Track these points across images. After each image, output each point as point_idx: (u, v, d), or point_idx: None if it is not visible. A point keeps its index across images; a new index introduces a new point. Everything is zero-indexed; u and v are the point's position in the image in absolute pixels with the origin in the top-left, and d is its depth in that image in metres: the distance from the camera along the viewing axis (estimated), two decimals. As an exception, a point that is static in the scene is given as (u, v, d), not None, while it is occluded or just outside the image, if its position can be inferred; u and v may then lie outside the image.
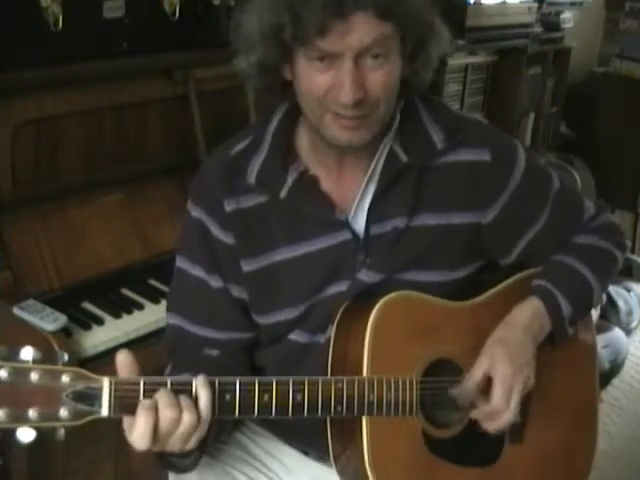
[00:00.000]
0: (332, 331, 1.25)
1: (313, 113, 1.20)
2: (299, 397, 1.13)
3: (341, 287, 1.28)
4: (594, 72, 4.51)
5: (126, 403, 1.03)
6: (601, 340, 3.07)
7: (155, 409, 1.03)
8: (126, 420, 1.05)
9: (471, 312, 1.32)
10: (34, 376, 0.98)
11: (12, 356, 0.99)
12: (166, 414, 1.04)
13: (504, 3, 3.37)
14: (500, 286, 1.37)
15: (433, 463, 1.24)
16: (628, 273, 3.87)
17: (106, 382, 1.02)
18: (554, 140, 4.21)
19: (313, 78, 1.16)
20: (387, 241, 1.27)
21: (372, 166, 1.27)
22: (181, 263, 1.33)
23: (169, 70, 2.10)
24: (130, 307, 1.88)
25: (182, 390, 1.06)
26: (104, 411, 1.02)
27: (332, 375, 1.22)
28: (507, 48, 3.49)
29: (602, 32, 4.62)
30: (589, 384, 1.45)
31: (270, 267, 1.28)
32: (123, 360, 1.06)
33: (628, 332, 3.51)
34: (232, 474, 1.37)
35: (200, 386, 1.07)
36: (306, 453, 1.40)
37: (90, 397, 1.01)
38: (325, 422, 1.23)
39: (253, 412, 1.11)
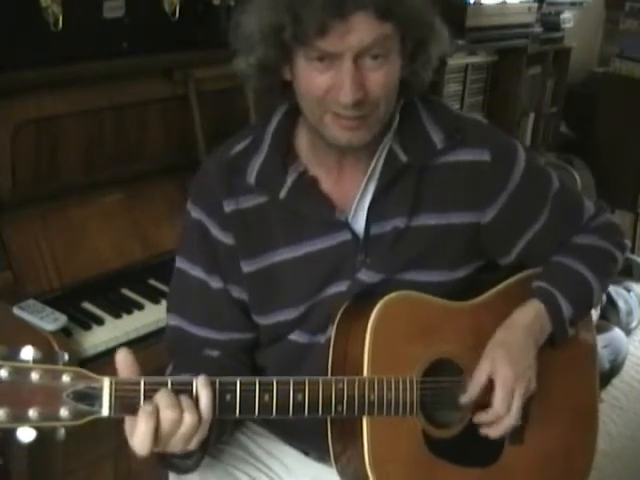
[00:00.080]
0: (332, 331, 1.25)
1: (313, 113, 1.19)
2: (300, 397, 1.13)
3: (341, 287, 1.28)
4: (594, 72, 4.51)
5: (126, 403, 1.03)
6: (601, 340, 3.07)
7: (156, 413, 1.03)
8: (127, 425, 1.05)
9: (471, 312, 1.32)
10: (34, 376, 0.98)
11: (12, 356, 0.99)
12: (167, 415, 1.03)
13: (504, 3, 3.37)
14: (500, 286, 1.37)
15: (433, 463, 1.24)
16: (628, 273, 3.88)
17: (106, 382, 1.02)
18: (554, 140, 4.21)
19: (313, 78, 1.15)
20: (387, 241, 1.27)
21: (372, 166, 1.27)
22: (181, 264, 1.33)
23: (169, 70, 2.10)
24: (130, 307, 1.88)
25: (183, 390, 1.06)
26: (104, 411, 1.02)
27: (332, 375, 1.22)
28: (507, 48, 3.49)
29: (602, 32, 4.62)
30: (589, 385, 1.45)
31: (270, 268, 1.28)
32: (123, 359, 1.06)
33: (628, 332, 3.51)
34: (234, 474, 1.37)
35: (201, 386, 1.07)
36: (306, 453, 1.40)
37: (90, 397, 1.01)
38: (325, 422, 1.23)
39: (254, 412, 1.11)
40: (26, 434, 0.98)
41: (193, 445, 1.08)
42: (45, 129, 1.88)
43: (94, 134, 1.99)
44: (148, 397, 1.04)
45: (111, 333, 1.78)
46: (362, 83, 1.14)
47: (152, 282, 1.99)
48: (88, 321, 1.79)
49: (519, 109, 3.70)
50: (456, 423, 1.28)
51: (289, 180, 1.25)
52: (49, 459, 1.79)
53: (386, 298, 1.22)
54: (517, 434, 1.31)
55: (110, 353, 1.68)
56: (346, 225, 1.27)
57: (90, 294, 1.88)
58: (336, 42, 1.11)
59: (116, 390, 1.02)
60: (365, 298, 1.25)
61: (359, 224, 1.28)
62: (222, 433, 1.25)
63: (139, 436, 1.03)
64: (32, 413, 0.98)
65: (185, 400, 1.05)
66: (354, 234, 1.27)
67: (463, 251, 1.32)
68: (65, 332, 1.70)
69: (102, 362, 1.68)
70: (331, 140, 1.20)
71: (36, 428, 0.98)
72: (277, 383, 1.12)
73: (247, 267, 1.28)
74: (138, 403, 1.03)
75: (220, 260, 1.29)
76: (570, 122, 4.32)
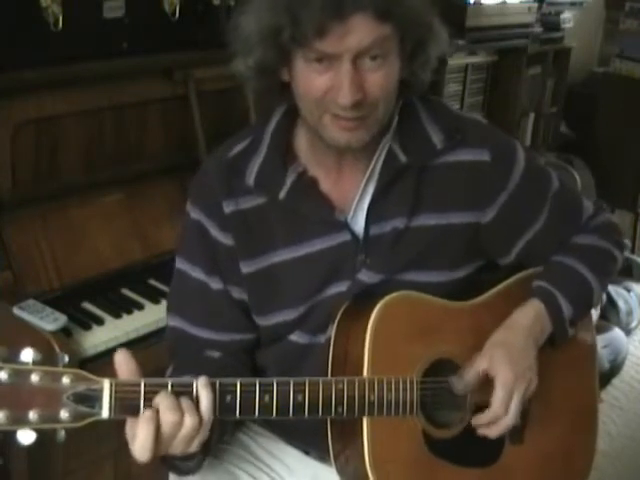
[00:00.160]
0: (332, 331, 1.25)
1: (311, 114, 1.19)
2: (300, 398, 1.13)
3: (341, 288, 1.28)
4: (594, 72, 4.51)
5: (127, 405, 1.03)
6: (601, 340, 3.08)
7: (156, 419, 1.03)
8: (128, 430, 1.05)
9: (471, 312, 1.32)
10: (34, 378, 0.98)
11: (12, 358, 0.98)
12: (167, 417, 1.03)
13: (504, 3, 3.37)
14: (500, 286, 1.37)
15: (433, 463, 1.24)
16: (628, 273, 3.88)
17: (106, 384, 1.02)
18: (554, 140, 4.21)
19: (311, 80, 1.15)
20: (387, 241, 1.27)
21: (371, 166, 1.27)
22: (181, 265, 1.33)
23: (169, 70, 2.10)
24: (130, 307, 1.88)
25: (183, 392, 1.06)
26: (105, 413, 1.01)
27: (332, 375, 1.22)
28: (507, 48, 3.49)
29: (602, 32, 4.62)
30: (589, 385, 1.45)
31: (270, 268, 1.28)
32: (122, 359, 1.06)
33: (628, 332, 3.51)
34: (235, 473, 1.37)
35: (201, 387, 1.06)
36: (307, 453, 1.40)
37: (91, 399, 1.01)
38: (326, 422, 1.23)
39: (254, 413, 1.11)
40: (26, 436, 0.98)
41: (194, 447, 1.08)
42: (45, 129, 1.88)
43: (94, 134, 1.99)
44: (148, 399, 1.04)
45: (111, 333, 1.78)
46: (361, 84, 1.14)
47: (152, 282, 1.99)
48: (88, 321, 1.79)
49: (519, 109, 3.70)
50: (456, 423, 1.28)
51: (288, 181, 1.25)
52: (49, 459, 1.79)
53: (386, 298, 1.22)
54: (517, 434, 1.31)
55: (110, 353, 1.66)
56: (345, 225, 1.27)
57: (90, 294, 1.88)
58: (335, 43, 1.11)
59: (116, 392, 1.02)
60: (365, 298, 1.25)
61: (359, 224, 1.28)
62: (223, 434, 1.25)
63: (139, 442, 1.03)
64: (32, 415, 0.97)
65: (185, 402, 1.05)
66: (354, 234, 1.27)
67: (463, 251, 1.32)
68: (65, 332, 1.70)
69: (102, 362, 1.68)
70: (330, 141, 1.20)
71: (36, 430, 0.98)
72: (277, 384, 1.12)
73: (247, 268, 1.28)
74: (138, 405, 1.03)
75: (220, 261, 1.29)
76: (570, 122, 4.32)
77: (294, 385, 1.13)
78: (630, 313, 3.58)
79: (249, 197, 1.28)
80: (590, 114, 4.22)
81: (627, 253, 3.97)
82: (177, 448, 1.07)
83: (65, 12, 1.86)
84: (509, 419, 1.23)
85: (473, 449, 1.27)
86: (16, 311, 1.69)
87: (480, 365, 1.24)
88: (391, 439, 1.21)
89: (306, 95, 1.17)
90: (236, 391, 1.09)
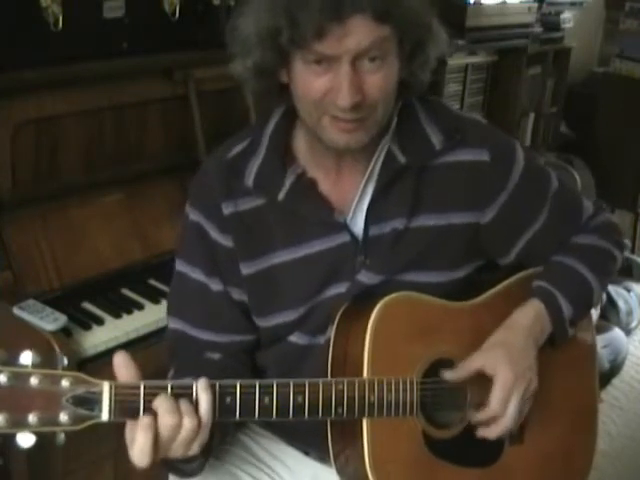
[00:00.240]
0: (332, 331, 1.24)
1: (310, 116, 1.19)
2: (300, 399, 1.12)
3: (340, 289, 1.27)
4: (594, 72, 4.51)
5: (126, 407, 1.02)
6: (601, 340, 3.08)
7: (154, 424, 1.02)
8: (128, 434, 1.04)
9: (471, 312, 1.32)
10: (34, 380, 0.98)
11: (12, 360, 0.98)
12: (166, 421, 1.03)
13: (504, 3, 3.37)
14: (500, 286, 1.37)
15: (433, 463, 1.24)
16: (628, 273, 3.88)
17: (106, 386, 1.01)
18: (554, 140, 4.21)
19: (310, 82, 1.15)
20: (386, 242, 1.27)
21: (370, 168, 1.27)
22: (181, 267, 1.33)
23: (169, 70, 2.10)
24: (130, 307, 1.88)
25: (183, 394, 1.06)
26: (104, 415, 1.01)
27: (332, 375, 1.22)
28: (507, 48, 3.49)
29: (602, 32, 4.62)
30: (589, 385, 1.45)
31: (269, 270, 1.28)
32: (121, 361, 1.05)
33: (628, 332, 3.51)
34: (236, 475, 1.37)
35: (201, 390, 1.06)
36: (307, 453, 1.40)
37: (90, 402, 1.00)
38: (326, 423, 1.23)
39: (254, 415, 1.11)
40: (26, 439, 0.98)
41: (194, 450, 1.07)
42: (45, 129, 1.88)
43: (94, 134, 1.99)
44: (148, 401, 1.03)
45: (111, 333, 1.78)
46: (360, 86, 1.13)
47: (152, 282, 1.99)
48: (88, 321, 1.79)
49: (519, 109, 3.70)
50: (456, 423, 1.28)
51: (287, 182, 1.25)
52: (49, 460, 1.79)
53: (386, 299, 1.22)
54: (517, 434, 1.31)
55: (110, 353, 1.67)
56: (345, 227, 1.27)
57: (90, 294, 1.88)
58: (334, 45, 1.10)
59: (116, 394, 1.01)
60: (364, 299, 1.25)
61: (358, 226, 1.28)
62: (225, 435, 1.25)
63: (138, 446, 1.02)
64: (32, 418, 0.97)
65: (184, 404, 1.05)
66: (353, 236, 1.27)
67: (463, 251, 1.32)
68: (65, 332, 1.70)
69: (102, 362, 1.68)
70: (329, 142, 1.19)
71: (36, 433, 0.98)
72: (277, 385, 1.11)
73: (246, 269, 1.28)
74: (138, 407, 1.03)
75: (220, 262, 1.29)
76: (570, 122, 4.32)
77: (294, 386, 1.12)
78: (630, 313, 3.59)
79: (248, 198, 1.27)
80: (590, 114, 4.22)
81: (627, 253, 3.97)
82: (177, 451, 1.06)
83: (65, 12, 1.86)
84: (507, 419, 1.23)
85: (473, 449, 1.28)
86: (16, 311, 1.69)
87: (476, 361, 1.24)
88: (391, 440, 1.21)
89: (305, 97, 1.17)
90: (236, 393, 1.09)
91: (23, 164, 1.85)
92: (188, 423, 1.04)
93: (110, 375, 1.04)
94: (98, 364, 1.68)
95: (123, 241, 2.01)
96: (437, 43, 1.22)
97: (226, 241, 1.28)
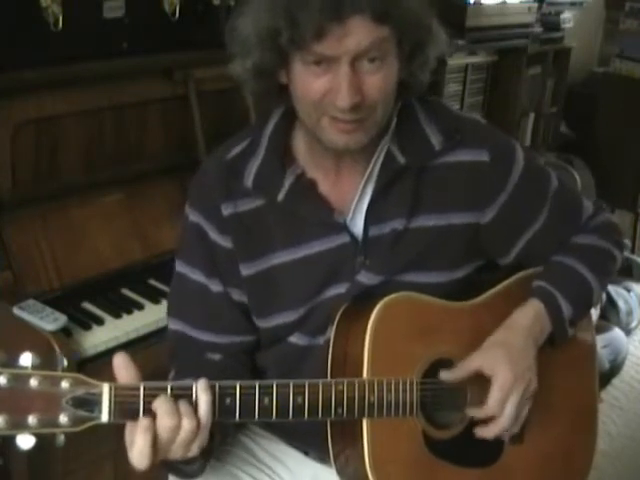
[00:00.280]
0: (332, 332, 1.24)
1: (309, 117, 1.19)
2: (299, 400, 1.12)
3: (340, 289, 1.27)
4: (594, 72, 4.51)
5: (126, 409, 1.02)
6: (601, 340, 3.08)
7: (153, 426, 1.02)
8: (127, 436, 1.04)
9: (471, 312, 1.32)
10: (33, 382, 0.97)
11: (11, 362, 0.98)
12: (165, 422, 1.03)
13: (504, 3, 3.37)
14: (500, 286, 1.37)
15: (433, 464, 1.24)
16: (628, 273, 3.88)
17: (106, 388, 1.01)
18: (554, 140, 4.21)
19: (310, 82, 1.15)
20: (386, 243, 1.27)
21: (369, 168, 1.27)
22: (180, 267, 1.33)
23: (169, 70, 2.10)
24: (130, 307, 1.88)
25: (182, 395, 1.05)
26: (104, 417, 1.01)
27: (332, 376, 1.22)
28: (507, 48, 3.49)
29: (602, 32, 4.62)
30: (589, 385, 1.45)
31: (269, 271, 1.28)
32: (121, 363, 1.05)
33: (628, 332, 3.51)
34: (237, 476, 1.37)
35: (200, 390, 1.06)
36: (307, 453, 1.40)
37: (90, 403, 1.00)
38: (326, 423, 1.23)
39: (254, 415, 1.11)
40: (25, 441, 0.97)
41: (193, 451, 1.07)
42: (45, 129, 1.88)
43: (94, 134, 1.99)
44: (148, 402, 1.03)
45: (111, 333, 1.78)
46: (359, 87, 1.13)
47: (152, 282, 1.99)
48: (88, 321, 1.79)
49: (519, 109, 3.70)
50: (456, 424, 1.28)
51: (287, 183, 1.25)
52: (49, 459, 1.79)
53: (386, 299, 1.22)
54: (517, 434, 1.31)
55: (110, 353, 1.68)
56: (344, 227, 1.27)
57: (90, 294, 1.88)
58: (333, 46, 1.10)
59: (115, 396, 1.01)
60: (364, 299, 1.24)
61: (357, 226, 1.28)
62: (226, 436, 1.25)
63: (137, 449, 1.02)
64: (31, 420, 0.97)
65: (184, 405, 1.05)
66: (353, 236, 1.27)
67: (463, 252, 1.32)
68: (65, 332, 1.70)
69: (102, 362, 1.68)
70: (328, 143, 1.19)
71: (35, 435, 0.98)
72: (277, 386, 1.11)
73: (246, 270, 1.28)
74: (138, 409, 1.03)
75: (219, 263, 1.29)
76: (570, 122, 4.32)
77: (294, 387, 1.12)
78: (630, 313, 3.59)
79: (247, 199, 1.27)
80: (590, 114, 4.22)
81: (627, 253, 3.97)
82: (176, 453, 1.06)
83: (65, 12, 1.86)
84: (505, 419, 1.23)
85: (473, 449, 1.28)
86: (16, 311, 1.69)
87: (474, 361, 1.24)
88: (391, 440, 1.21)
89: (304, 97, 1.17)
90: (235, 394, 1.09)
91: (23, 164, 1.85)
92: (187, 424, 1.04)
93: (110, 375, 1.04)
94: (98, 364, 1.68)
95: (123, 241, 2.01)
96: (437, 43, 1.22)
97: (225, 242, 1.28)
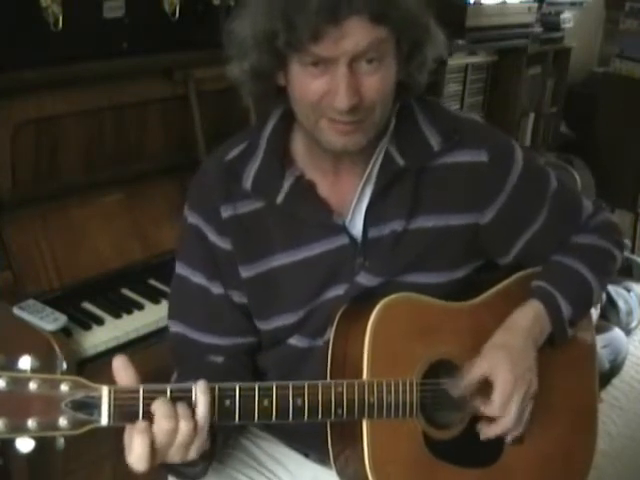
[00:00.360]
0: (331, 333, 1.24)
1: (307, 119, 1.18)
2: (299, 401, 1.12)
3: (339, 291, 1.27)
4: (594, 72, 4.51)
5: (126, 411, 1.02)
6: (601, 340, 3.08)
7: (149, 429, 1.02)
8: (126, 439, 1.04)
9: (471, 312, 1.31)
10: (33, 385, 0.97)
11: (10, 365, 0.98)
12: (162, 425, 1.02)
13: (504, 3, 3.37)
14: (499, 286, 1.37)
15: (433, 464, 1.24)
16: (628, 273, 3.88)
17: (105, 391, 1.01)
18: (554, 140, 4.21)
19: (307, 84, 1.14)
20: (385, 244, 1.27)
21: (368, 170, 1.27)
22: (181, 270, 1.32)
23: (169, 70, 2.10)
24: (130, 307, 1.88)
25: (181, 397, 1.05)
26: (104, 420, 1.00)
27: (332, 377, 1.22)
28: (507, 48, 3.49)
29: (602, 32, 4.63)
30: (589, 385, 1.45)
31: (268, 273, 1.28)
32: (120, 365, 1.04)
33: (628, 332, 3.51)
34: (238, 478, 1.37)
35: (200, 392, 1.06)
36: (307, 455, 1.40)
37: (89, 406, 1.00)
38: (325, 425, 1.23)
39: (253, 417, 1.10)
40: (25, 444, 0.97)
41: (192, 454, 1.07)
42: (45, 129, 1.88)
43: (94, 134, 1.99)
44: (147, 404, 1.03)
45: (111, 333, 1.78)
46: (357, 88, 1.13)
47: (152, 282, 1.99)
48: (88, 321, 1.79)
49: (519, 109, 3.70)
50: (456, 424, 1.28)
51: (286, 185, 1.25)
52: (49, 460, 1.79)
53: (386, 300, 1.22)
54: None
55: (110, 353, 1.68)
56: (344, 229, 1.26)
57: (90, 294, 1.89)
58: (330, 47, 1.10)
59: (115, 399, 1.01)
60: (364, 300, 1.24)
61: (357, 228, 1.27)
62: (228, 438, 1.25)
63: (135, 452, 1.02)
64: (31, 423, 0.97)
65: (182, 408, 1.04)
66: (352, 238, 1.27)
67: (462, 252, 1.32)
68: (65, 332, 1.70)
69: (102, 362, 1.68)
70: (326, 145, 1.19)
71: (35, 438, 0.97)
72: (276, 388, 1.11)
73: (246, 272, 1.28)
74: (137, 411, 1.02)
75: (220, 265, 1.29)
76: (570, 122, 4.32)
77: (293, 389, 1.12)
78: (630, 313, 3.59)
79: (247, 201, 1.27)
80: (590, 114, 4.22)
81: (627, 253, 3.97)
82: (174, 456, 1.06)
83: (65, 12, 1.86)
84: (508, 420, 1.23)
85: (473, 449, 1.28)
86: (16, 311, 1.69)
87: (479, 369, 1.24)
88: (391, 441, 1.21)
89: (302, 99, 1.17)
90: (235, 396, 1.09)
91: (23, 164, 1.85)
92: (184, 427, 1.03)
93: (110, 375, 1.04)
94: (98, 364, 1.68)
95: (123, 241, 2.01)
96: (435, 44, 1.21)
97: (225, 244, 1.28)
